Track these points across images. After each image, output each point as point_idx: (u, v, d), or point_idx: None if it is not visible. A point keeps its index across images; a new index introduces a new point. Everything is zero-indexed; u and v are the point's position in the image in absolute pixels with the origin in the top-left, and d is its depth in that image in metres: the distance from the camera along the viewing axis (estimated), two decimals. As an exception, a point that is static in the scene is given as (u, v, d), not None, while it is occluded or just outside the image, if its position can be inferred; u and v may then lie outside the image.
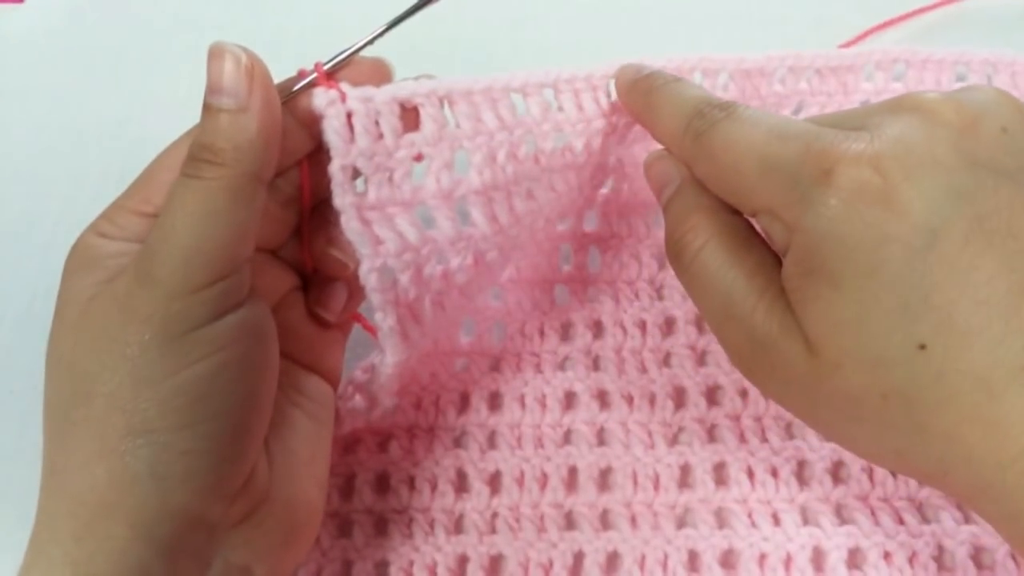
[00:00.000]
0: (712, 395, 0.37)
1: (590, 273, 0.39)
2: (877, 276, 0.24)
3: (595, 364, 0.38)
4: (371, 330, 0.34)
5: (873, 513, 0.34)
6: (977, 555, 0.33)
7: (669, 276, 0.39)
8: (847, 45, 0.46)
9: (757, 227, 0.29)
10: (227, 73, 0.26)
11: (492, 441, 0.36)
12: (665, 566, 0.33)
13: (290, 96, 0.29)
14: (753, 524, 0.34)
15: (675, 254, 0.29)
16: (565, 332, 0.38)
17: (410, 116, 0.29)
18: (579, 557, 0.34)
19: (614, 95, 0.34)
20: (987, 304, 0.23)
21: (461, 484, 0.35)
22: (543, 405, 0.37)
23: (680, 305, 0.38)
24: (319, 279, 0.33)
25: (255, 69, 0.27)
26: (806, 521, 0.34)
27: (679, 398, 0.37)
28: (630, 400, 0.37)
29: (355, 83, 0.29)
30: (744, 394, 0.36)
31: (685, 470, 0.35)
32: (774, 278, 0.27)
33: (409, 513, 0.34)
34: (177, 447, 0.25)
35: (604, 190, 0.38)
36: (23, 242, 0.42)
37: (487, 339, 0.38)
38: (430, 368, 0.36)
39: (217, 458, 0.26)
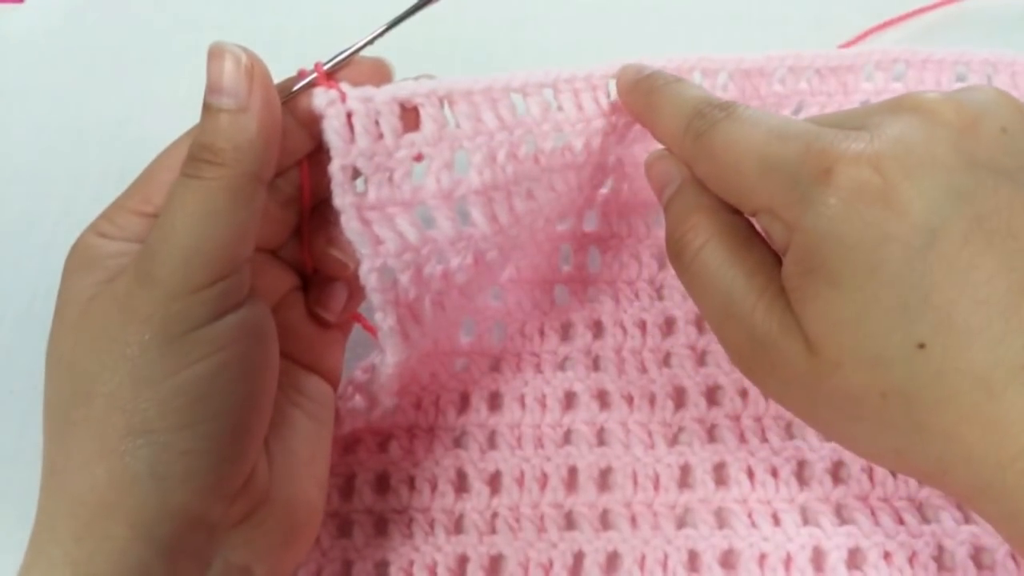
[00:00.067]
0: (712, 395, 0.37)
1: (590, 273, 0.39)
2: (877, 275, 0.24)
3: (595, 364, 0.38)
4: (371, 330, 0.34)
5: (873, 513, 0.34)
6: (977, 555, 0.33)
7: (669, 276, 0.39)
8: (847, 45, 0.46)
9: (757, 227, 0.29)
10: (227, 73, 0.26)
11: (492, 441, 0.36)
12: (665, 566, 0.33)
13: (290, 96, 0.29)
14: (753, 524, 0.34)
15: (675, 253, 0.30)
16: (565, 332, 0.38)
17: (410, 116, 0.29)
18: (579, 557, 0.34)
19: (614, 95, 0.34)
20: (987, 303, 0.23)
21: (461, 484, 0.35)
22: (543, 405, 0.37)
23: (680, 305, 0.38)
24: (319, 279, 0.33)
25: (255, 69, 0.27)
26: (806, 521, 0.34)
27: (679, 398, 0.37)
28: (630, 400, 0.37)
29: (355, 83, 0.29)
30: (744, 394, 0.36)
31: (685, 470, 0.35)
32: (774, 277, 0.27)
33: (409, 513, 0.34)
34: (177, 447, 0.25)
35: (604, 190, 0.38)
36: (23, 242, 0.42)
37: (487, 339, 0.38)
38: (430, 368, 0.36)
39: (217, 458, 0.26)
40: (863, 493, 0.34)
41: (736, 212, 0.29)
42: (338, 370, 0.33)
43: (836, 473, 0.35)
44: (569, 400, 0.37)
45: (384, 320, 0.30)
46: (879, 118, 0.26)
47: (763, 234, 0.29)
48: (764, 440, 0.36)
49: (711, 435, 0.36)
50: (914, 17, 0.47)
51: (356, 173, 0.28)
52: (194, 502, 0.25)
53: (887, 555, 0.33)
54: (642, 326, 0.38)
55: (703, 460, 0.35)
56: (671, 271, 0.39)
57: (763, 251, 0.28)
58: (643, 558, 0.33)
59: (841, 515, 0.34)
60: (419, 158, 0.29)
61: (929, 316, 0.24)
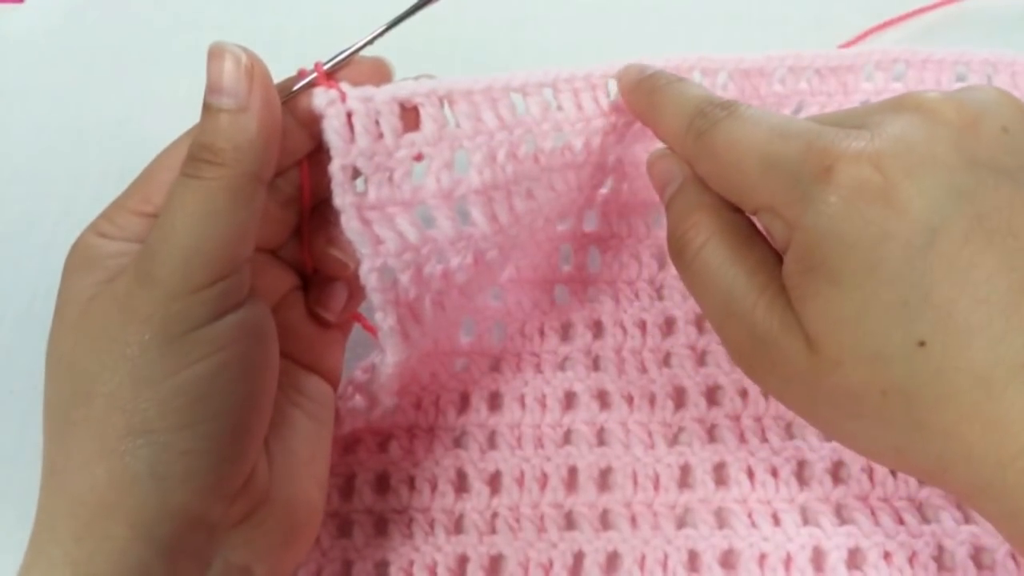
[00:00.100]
0: (712, 395, 0.37)
1: (590, 273, 0.39)
2: (877, 273, 0.24)
3: (595, 364, 0.38)
4: (371, 330, 0.34)
5: (873, 513, 0.34)
6: (977, 555, 0.33)
7: (669, 276, 0.39)
8: (847, 45, 0.46)
9: (759, 225, 0.29)
10: (227, 73, 0.26)
11: (492, 441, 0.36)
12: (665, 566, 0.33)
13: (290, 96, 0.29)
14: (753, 524, 0.34)
15: (677, 251, 0.30)
16: (565, 332, 0.38)
17: (410, 116, 0.29)
18: (579, 557, 0.34)
19: (613, 95, 0.34)
20: (987, 302, 0.23)
21: (461, 484, 0.35)
22: (543, 405, 0.37)
23: (680, 305, 0.38)
24: (319, 279, 0.33)
25: (255, 69, 0.27)
26: (806, 521, 0.34)
27: (679, 398, 0.37)
28: (630, 400, 0.37)
29: (355, 83, 0.29)
30: (744, 394, 0.36)
31: (685, 470, 0.35)
32: (775, 275, 0.27)
33: (409, 513, 0.34)
34: (177, 447, 0.25)
35: (604, 190, 0.38)
36: (23, 242, 0.42)
37: (487, 339, 0.38)
38: (430, 368, 0.36)
39: (217, 458, 0.26)
40: (863, 493, 0.34)
41: (737, 211, 0.29)
42: (338, 370, 0.33)
43: (836, 473, 0.35)
44: (569, 400, 0.37)
45: (384, 320, 0.30)
46: (880, 117, 0.26)
47: (764, 232, 0.29)
48: (764, 440, 0.36)
49: (711, 435, 0.36)
50: (914, 17, 0.47)
51: (356, 173, 0.28)
52: (194, 502, 0.25)
53: (887, 555, 0.33)
54: (642, 326, 0.38)
55: (703, 460, 0.35)
56: (671, 271, 0.39)
57: (764, 249, 0.28)
58: (643, 558, 0.33)
59: (841, 515, 0.34)
60: (419, 158, 0.29)
61: (929, 314, 0.24)
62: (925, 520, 0.34)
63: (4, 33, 0.49)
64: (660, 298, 0.39)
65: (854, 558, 0.33)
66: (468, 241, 0.30)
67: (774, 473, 0.35)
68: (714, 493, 0.35)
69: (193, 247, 0.25)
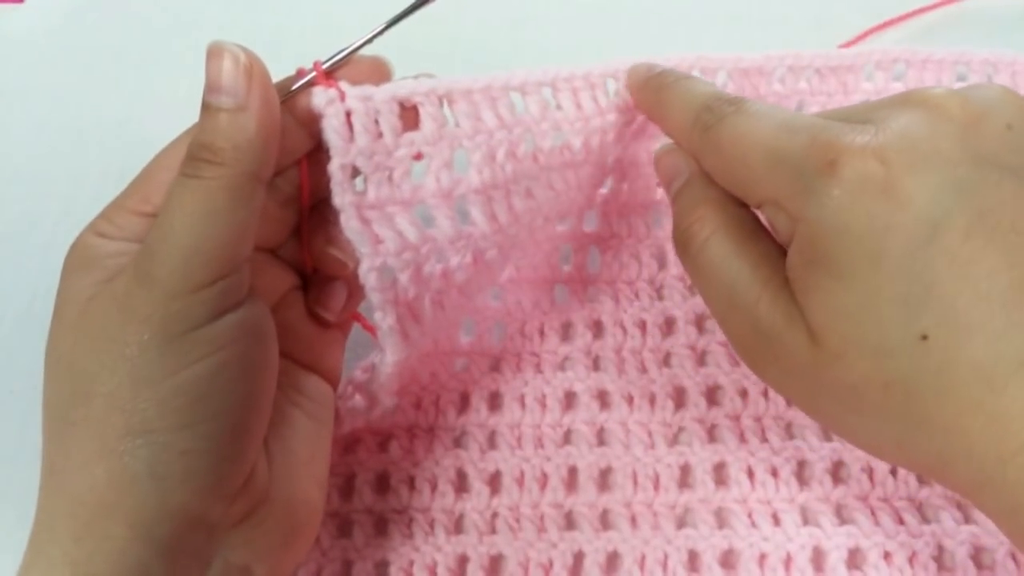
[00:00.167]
0: (712, 395, 0.37)
1: (590, 273, 0.39)
2: (879, 267, 0.24)
3: (595, 364, 0.38)
4: (371, 330, 0.34)
5: (873, 513, 0.34)
6: (977, 555, 0.33)
7: (669, 276, 0.39)
8: (847, 45, 0.46)
9: (763, 219, 0.29)
10: (226, 72, 0.26)
11: (492, 441, 0.36)
12: (665, 566, 0.33)
13: (289, 95, 0.29)
14: (753, 524, 0.34)
15: (682, 244, 0.30)
16: (565, 332, 0.38)
17: (409, 115, 0.29)
18: (579, 557, 0.34)
19: (613, 94, 0.34)
20: (988, 298, 0.23)
21: (461, 484, 0.35)
22: (543, 405, 0.37)
23: (680, 305, 0.38)
24: (319, 279, 0.33)
25: (254, 68, 0.27)
26: (806, 521, 0.34)
27: (679, 398, 0.37)
28: (630, 400, 0.37)
29: (354, 82, 0.29)
30: (744, 394, 0.36)
31: (685, 470, 0.35)
32: (779, 269, 0.27)
33: (409, 513, 0.34)
34: (177, 447, 0.25)
35: (604, 190, 0.38)
36: (23, 242, 0.42)
37: (487, 339, 0.38)
38: (430, 368, 0.36)
39: (217, 458, 0.26)
40: (863, 493, 0.34)
41: (743, 205, 0.29)
42: (338, 370, 0.33)
43: (836, 473, 0.35)
44: (569, 400, 0.37)
45: (384, 319, 0.30)
46: (885, 112, 0.26)
47: (768, 226, 0.29)
48: (764, 440, 0.36)
49: (711, 435, 0.36)
50: (914, 17, 0.47)
51: (355, 172, 0.28)
52: (194, 502, 0.25)
53: (887, 555, 0.33)
54: (642, 326, 0.38)
55: (703, 460, 0.35)
56: (671, 271, 0.39)
57: (768, 243, 0.28)
58: (643, 558, 0.33)
59: (841, 515, 0.34)
60: (418, 157, 0.29)
61: (931, 309, 0.24)
62: (925, 520, 0.34)
63: (4, 33, 0.49)
64: (660, 298, 0.39)
65: (854, 558, 0.33)
66: (468, 240, 0.30)
67: (774, 473, 0.35)
68: (714, 493, 0.35)
69: (192, 247, 0.25)
